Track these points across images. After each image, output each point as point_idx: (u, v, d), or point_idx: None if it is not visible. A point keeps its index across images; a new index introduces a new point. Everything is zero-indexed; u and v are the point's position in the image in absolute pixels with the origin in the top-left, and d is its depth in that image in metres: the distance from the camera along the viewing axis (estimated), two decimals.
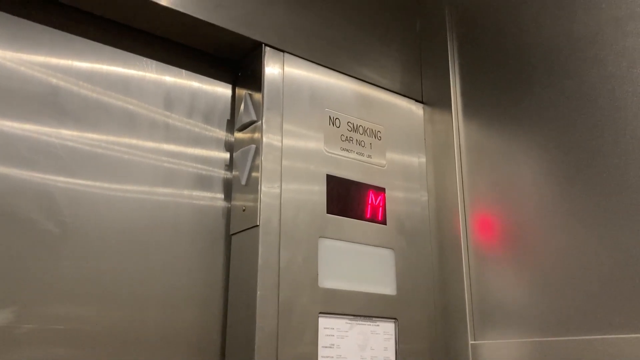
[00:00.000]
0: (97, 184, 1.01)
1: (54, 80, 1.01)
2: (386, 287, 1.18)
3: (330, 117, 1.20)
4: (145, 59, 1.12)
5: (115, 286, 0.99)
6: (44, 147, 0.98)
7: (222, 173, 1.17)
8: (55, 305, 0.93)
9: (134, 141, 1.07)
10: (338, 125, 1.21)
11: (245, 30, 1.13)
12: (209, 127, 1.17)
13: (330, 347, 1.06)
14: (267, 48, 1.15)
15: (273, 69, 1.14)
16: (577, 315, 1.01)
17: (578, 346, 0.98)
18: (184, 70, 1.17)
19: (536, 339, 1.06)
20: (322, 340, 1.05)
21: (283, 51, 1.17)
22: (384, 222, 1.22)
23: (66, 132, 1.00)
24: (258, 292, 1.00)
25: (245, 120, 1.13)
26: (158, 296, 1.03)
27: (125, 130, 1.07)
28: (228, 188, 1.16)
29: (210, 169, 1.15)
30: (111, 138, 1.05)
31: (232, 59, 1.22)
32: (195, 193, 1.12)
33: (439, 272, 1.27)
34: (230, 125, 1.20)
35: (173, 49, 1.16)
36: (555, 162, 1.10)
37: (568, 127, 1.08)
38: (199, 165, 1.14)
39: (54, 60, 1.02)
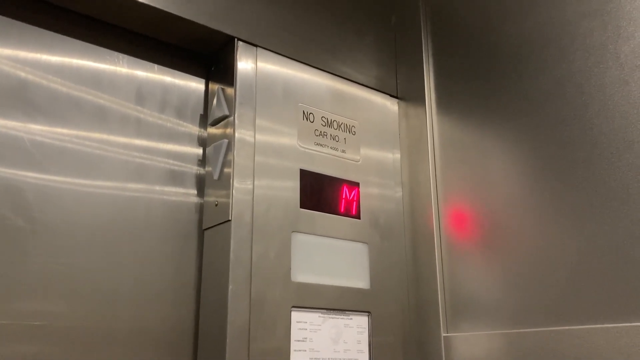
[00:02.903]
0: (68, 179, 1.01)
1: (23, 74, 1.00)
2: (360, 281, 1.19)
3: (304, 112, 1.21)
4: (116, 53, 1.11)
5: (86, 282, 0.98)
6: (12, 142, 0.97)
7: (194, 168, 1.16)
8: (25, 301, 0.92)
9: (105, 136, 1.06)
10: (312, 120, 1.22)
11: (218, 24, 1.12)
12: (181, 122, 1.17)
13: (303, 341, 1.07)
14: (240, 42, 1.15)
15: (246, 63, 1.14)
16: (546, 307, 1.02)
17: (547, 337, 1.00)
18: (156, 65, 1.16)
19: (507, 330, 1.07)
20: (294, 334, 1.06)
21: (256, 46, 1.17)
22: (358, 217, 1.23)
23: (35, 127, 0.99)
24: (230, 287, 1.00)
25: (218, 115, 1.13)
26: (129, 292, 1.02)
27: (96, 125, 1.06)
28: (201, 183, 1.15)
29: (183, 164, 1.15)
30: (82, 133, 1.04)
31: (205, 54, 1.21)
32: (168, 188, 1.11)
33: (413, 266, 1.28)
34: (203, 121, 1.19)
35: (145, 44, 1.15)
36: (525, 156, 1.11)
37: (538, 122, 1.10)
38: (171, 161, 1.14)
39: (22, 54, 1.01)
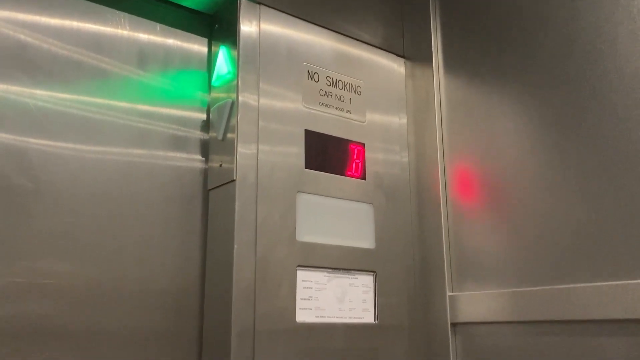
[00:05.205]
0: (70, 145, 1.00)
1: (22, 37, 0.99)
2: (365, 241, 1.19)
3: (308, 72, 1.19)
4: (118, 12, 1.10)
5: (91, 242, 0.99)
6: (13, 106, 0.96)
7: (198, 131, 1.15)
8: (31, 260, 0.94)
9: (106, 101, 1.06)
10: (317, 80, 1.20)
11: None
12: (184, 85, 1.16)
13: (309, 300, 1.08)
14: (243, 0, 1.12)
15: (249, 21, 1.12)
16: (552, 265, 1.02)
17: (552, 295, 1.00)
18: (158, 24, 1.15)
19: (512, 289, 1.08)
20: (300, 293, 1.07)
21: (259, 3, 1.14)
22: (363, 178, 1.22)
23: (36, 92, 0.99)
24: (235, 246, 1.01)
25: (221, 77, 1.12)
26: (135, 252, 1.03)
27: (98, 89, 1.05)
28: (205, 146, 1.15)
29: (186, 128, 1.14)
30: (84, 98, 1.03)
31: (208, 12, 1.19)
32: (172, 151, 1.11)
33: (418, 227, 1.28)
34: (207, 83, 1.18)
35: (147, 2, 1.13)
36: (533, 115, 1.10)
37: (546, 80, 1.08)
38: (174, 125, 1.13)
39: (20, 16, 1.00)
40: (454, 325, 1.17)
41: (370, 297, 1.17)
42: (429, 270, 1.23)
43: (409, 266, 1.25)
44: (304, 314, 1.07)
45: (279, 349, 1.02)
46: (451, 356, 1.16)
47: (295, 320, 1.05)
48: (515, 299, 1.06)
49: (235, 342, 0.98)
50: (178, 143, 1.12)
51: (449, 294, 1.18)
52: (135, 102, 1.09)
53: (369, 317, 1.16)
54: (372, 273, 1.19)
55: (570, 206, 1.01)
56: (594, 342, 0.94)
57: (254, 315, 1.00)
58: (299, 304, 1.07)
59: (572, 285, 0.98)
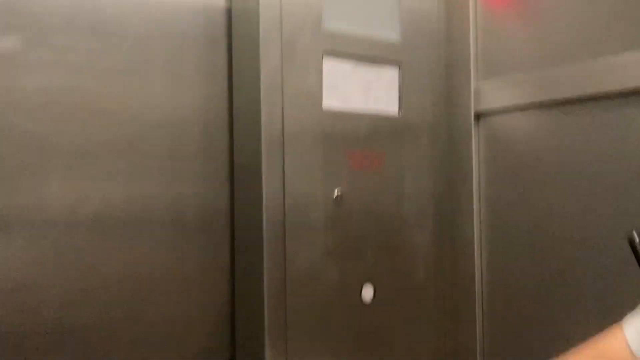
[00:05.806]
0: None
1: None
2: (391, 32, 1.17)
3: None
4: None
5: (116, 70, 0.99)
6: None
7: None
8: (60, 36, 0.94)
9: None
10: None
11: None
12: None
13: (335, 88, 1.09)
14: None
15: None
16: (574, 43, 1.02)
17: (575, 70, 1.01)
18: None
19: (536, 71, 1.07)
20: (326, 80, 1.07)
21: None
22: None
23: None
24: (260, 28, 0.99)
25: None
26: (160, 83, 1.03)
27: None
28: None
29: None
30: None
31: None
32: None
33: (445, 21, 1.24)
34: None
35: None
36: None
37: None
38: None
39: None
40: (477, 115, 1.18)
41: (395, 89, 1.18)
42: (454, 63, 1.22)
43: (434, 60, 1.23)
44: (331, 101, 1.08)
45: (307, 136, 1.05)
46: (473, 146, 1.19)
47: (321, 107, 1.07)
48: (540, 79, 1.06)
49: (266, 137, 1.00)
50: None
51: (473, 83, 1.18)
52: None
53: (393, 110, 1.18)
54: (398, 66, 1.18)
55: None
56: (619, 115, 0.95)
57: (282, 99, 1.01)
58: (325, 91, 1.07)
59: (595, 59, 0.97)
